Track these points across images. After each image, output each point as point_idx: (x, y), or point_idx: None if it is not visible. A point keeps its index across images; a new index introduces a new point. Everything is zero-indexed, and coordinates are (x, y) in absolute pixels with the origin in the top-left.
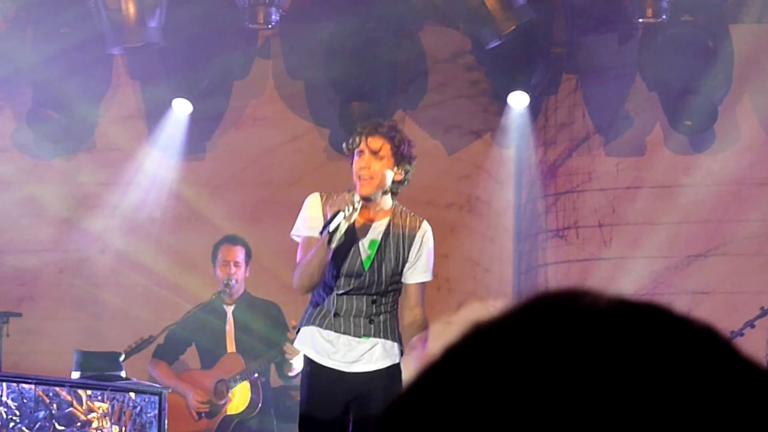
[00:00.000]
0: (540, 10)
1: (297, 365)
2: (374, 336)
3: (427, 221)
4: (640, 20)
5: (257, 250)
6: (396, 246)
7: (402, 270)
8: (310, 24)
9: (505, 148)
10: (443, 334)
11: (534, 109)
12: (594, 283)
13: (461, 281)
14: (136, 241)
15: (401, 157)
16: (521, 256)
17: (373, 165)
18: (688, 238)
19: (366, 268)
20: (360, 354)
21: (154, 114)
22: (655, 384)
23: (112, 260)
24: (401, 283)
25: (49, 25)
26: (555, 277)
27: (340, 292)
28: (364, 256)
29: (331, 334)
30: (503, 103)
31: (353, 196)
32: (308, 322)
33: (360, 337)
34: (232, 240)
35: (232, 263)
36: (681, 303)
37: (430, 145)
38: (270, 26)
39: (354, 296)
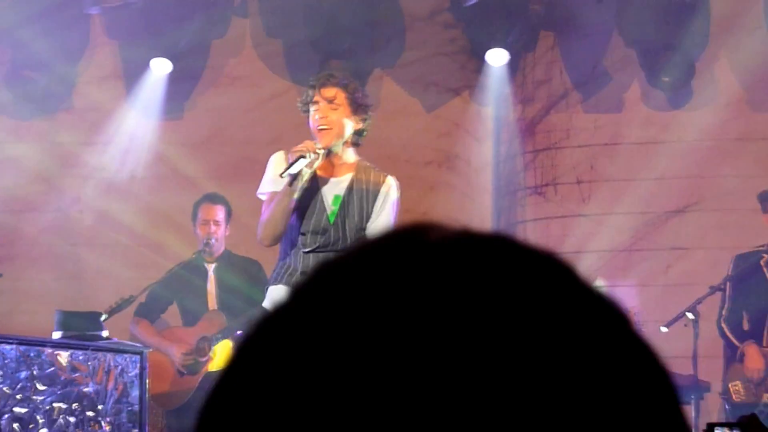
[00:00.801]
0: None
1: None
2: None
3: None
4: None
5: (238, 208)
6: (360, 201)
7: (366, 225)
8: None
9: (484, 106)
10: None
11: (512, 67)
12: (572, 239)
13: None
14: (115, 201)
15: (357, 104)
16: (500, 213)
17: (330, 115)
18: (666, 194)
19: (331, 223)
20: None
21: (133, 74)
22: (492, 310)
23: (92, 220)
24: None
25: None
26: (534, 234)
27: (306, 249)
28: (329, 211)
29: None
30: (481, 61)
31: (316, 143)
32: (276, 280)
33: None
34: (212, 199)
35: (212, 222)
36: (660, 258)
37: (408, 103)
38: None
39: (320, 254)
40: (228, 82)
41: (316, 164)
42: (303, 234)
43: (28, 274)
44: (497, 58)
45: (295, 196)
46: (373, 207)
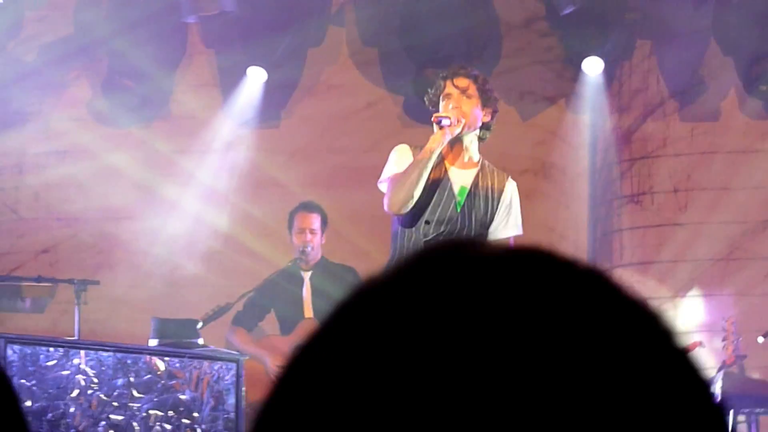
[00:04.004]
0: None
1: None
2: None
3: None
4: None
5: (333, 216)
6: (485, 196)
7: (490, 222)
8: None
9: (580, 114)
10: None
11: (608, 75)
12: (670, 249)
13: None
14: (212, 209)
15: (487, 96)
16: (596, 222)
17: (464, 105)
18: (763, 202)
19: (458, 210)
20: None
21: (229, 82)
22: (539, 326)
23: (188, 228)
24: (485, 237)
25: None
26: (630, 243)
27: (429, 237)
28: (456, 199)
29: None
30: (577, 69)
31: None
32: None
33: None
34: (307, 207)
35: (308, 230)
36: (758, 268)
37: (504, 111)
38: None
39: None
40: (324, 90)
41: (457, 131)
42: (428, 222)
43: (125, 281)
44: (593, 66)
45: (435, 154)
46: (498, 204)
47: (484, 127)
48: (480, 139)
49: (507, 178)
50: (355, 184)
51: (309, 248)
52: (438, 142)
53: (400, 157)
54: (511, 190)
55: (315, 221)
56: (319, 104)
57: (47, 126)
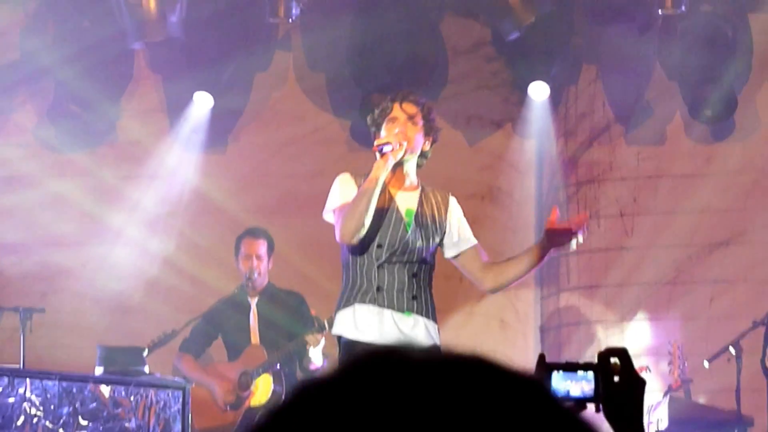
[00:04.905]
0: (559, 1)
1: (316, 359)
2: (417, 313)
3: None
4: (660, 12)
5: (280, 242)
6: (432, 215)
7: (441, 239)
8: (331, 16)
9: (526, 139)
10: (465, 324)
11: (554, 100)
12: (616, 272)
13: None
14: (158, 235)
15: (431, 125)
16: None
17: (409, 130)
18: (709, 227)
19: (408, 231)
20: (401, 330)
21: (176, 108)
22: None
23: (134, 254)
24: (434, 255)
25: (70, 20)
26: (577, 266)
27: (381, 261)
28: (405, 220)
29: (374, 309)
30: (524, 94)
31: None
32: (347, 303)
33: (404, 312)
34: (253, 233)
35: (254, 256)
36: (703, 292)
37: (451, 136)
38: (291, 20)
39: (396, 266)
40: (271, 115)
41: (400, 155)
42: (380, 246)
43: (70, 308)
44: (539, 91)
45: (381, 180)
46: (446, 218)
47: (422, 155)
48: (418, 165)
49: (447, 193)
50: (302, 210)
51: (255, 274)
52: (382, 169)
53: (344, 187)
54: (454, 204)
55: (261, 247)
56: (265, 129)
57: None
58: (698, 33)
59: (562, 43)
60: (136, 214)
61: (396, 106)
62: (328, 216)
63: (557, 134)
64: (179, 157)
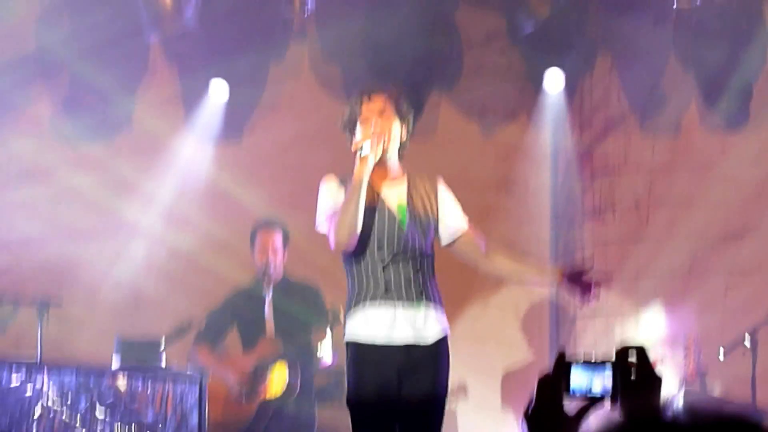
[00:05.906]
0: None
1: (326, 357)
2: (426, 306)
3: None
4: (675, 5)
5: (296, 233)
6: (422, 205)
7: (436, 225)
8: (346, 8)
9: (541, 130)
10: (481, 316)
11: (569, 91)
12: (631, 263)
13: None
14: (174, 227)
15: (402, 112)
16: (558, 237)
17: (383, 126)
18: (725, 218)
19: (404, 227)
20: (414, 324)
21: (192, 100)
22: None
23: (150, 246)
24: (433, 245)
25: (86, 13)
26: (592, 258)
27: (385, 261)
28: (398, 218)
29: (385, 307)
30: (539, 85)
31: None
32: (356, 305)
33: (413, 302)
34: (269, 225)
35: (270, 248)
36: (719, 282)
37: (466, 128)
38: (306, 15)
39: (400, 263)
40: (286, 107)
41: (379, 155)
42: (380, 248)
43: (87, 302)
44: (555, 82)
45: (365, 181)
46: (437, 205)
47: (401, 145)
48: (399, 156)
49: (436, 180)
50: (317, 201)
51: (271, 266)
52: (364, 169)
53: (331, 194)
54: (443, 190)
55: (277, 239)
56: (281, 120)
57: (7, 145)
58: (712, 22)
59: (577, 34)
60: (151, 206)
61: (363, 107)
62: (322, 227)
63: (572, 125)
64: (195, 148)
